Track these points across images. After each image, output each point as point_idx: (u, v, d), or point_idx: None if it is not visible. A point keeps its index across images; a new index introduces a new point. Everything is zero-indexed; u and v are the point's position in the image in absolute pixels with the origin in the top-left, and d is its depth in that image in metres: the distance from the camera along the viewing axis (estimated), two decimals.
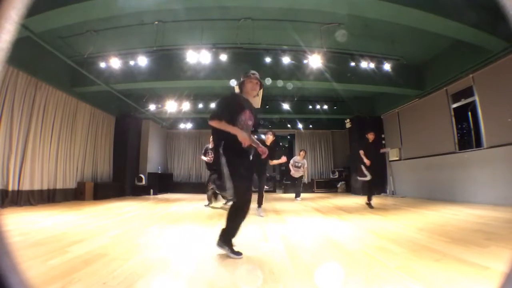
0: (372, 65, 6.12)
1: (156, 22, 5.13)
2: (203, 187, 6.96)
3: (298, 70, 6.19)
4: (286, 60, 5.88)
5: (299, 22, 5.13)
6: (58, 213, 4.49)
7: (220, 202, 5.63)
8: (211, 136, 5.65)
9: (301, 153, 7.83)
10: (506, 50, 4.81)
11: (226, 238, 2.15)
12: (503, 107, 4.93)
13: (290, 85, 6.91)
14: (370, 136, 5.53)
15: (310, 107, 9.67)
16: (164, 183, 10.34)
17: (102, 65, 5.88)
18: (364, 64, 6.09)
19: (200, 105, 9.22)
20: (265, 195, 4.78)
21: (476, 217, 3.78)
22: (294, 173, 7.68)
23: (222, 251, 2.15)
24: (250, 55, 6.16)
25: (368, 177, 5.41)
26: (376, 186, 5.59)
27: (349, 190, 10.22)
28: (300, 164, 7.66)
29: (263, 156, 2.48)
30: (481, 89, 5.54)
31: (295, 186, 8.00)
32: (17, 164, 5.26)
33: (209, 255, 2.19)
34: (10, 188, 5.04)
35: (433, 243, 2.42)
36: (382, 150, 6.05)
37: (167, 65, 6.44)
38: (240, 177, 2.07)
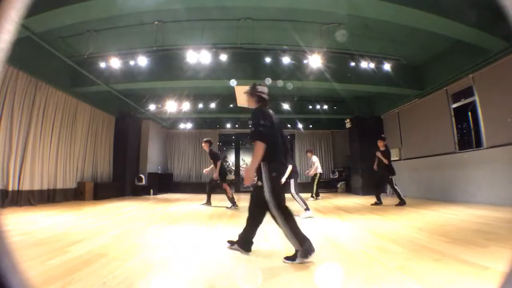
0: (372, 65, 6.12)
1: (156, 22, 5.13)
2: (203, 187, 6.97)
3: (298, 70, 6.18)
4: (286, 60, 5.87)
5: (299, 22, 5.12)
6: (58, 213, 4.49)
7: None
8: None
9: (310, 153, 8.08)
10: (506, 50, 4.80)
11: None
12: (503, 107, 4.93)
13: (290, 85, 6.91)
14: (380, 144, 5.96)
15: (310, 107, 9.68)
16: (164, 183, 10.34)
17: (102, 65, 5.87)
18: (364, 64, 6.08)
19: (200, 105, 9.22)
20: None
21: (476, 217, 3.78)
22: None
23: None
24: (250, 55, 6.16)
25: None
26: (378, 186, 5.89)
27: (349, 190, 10.21)
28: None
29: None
30: (481, 89, 5.54)
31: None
32: (17, 164, 5.26)
33: (209, 255, 2.20)
34: (10, 188, 5.04)
35: (433, 243, 2.42)
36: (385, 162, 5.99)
37: (167, 65, 6.43)
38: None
